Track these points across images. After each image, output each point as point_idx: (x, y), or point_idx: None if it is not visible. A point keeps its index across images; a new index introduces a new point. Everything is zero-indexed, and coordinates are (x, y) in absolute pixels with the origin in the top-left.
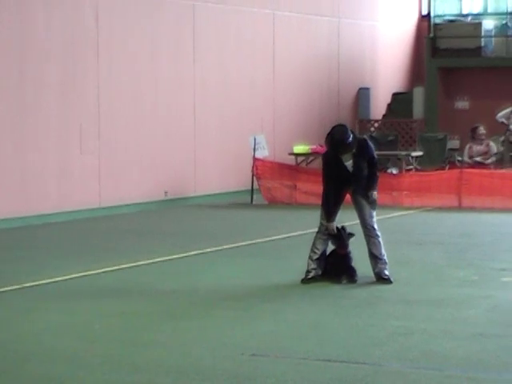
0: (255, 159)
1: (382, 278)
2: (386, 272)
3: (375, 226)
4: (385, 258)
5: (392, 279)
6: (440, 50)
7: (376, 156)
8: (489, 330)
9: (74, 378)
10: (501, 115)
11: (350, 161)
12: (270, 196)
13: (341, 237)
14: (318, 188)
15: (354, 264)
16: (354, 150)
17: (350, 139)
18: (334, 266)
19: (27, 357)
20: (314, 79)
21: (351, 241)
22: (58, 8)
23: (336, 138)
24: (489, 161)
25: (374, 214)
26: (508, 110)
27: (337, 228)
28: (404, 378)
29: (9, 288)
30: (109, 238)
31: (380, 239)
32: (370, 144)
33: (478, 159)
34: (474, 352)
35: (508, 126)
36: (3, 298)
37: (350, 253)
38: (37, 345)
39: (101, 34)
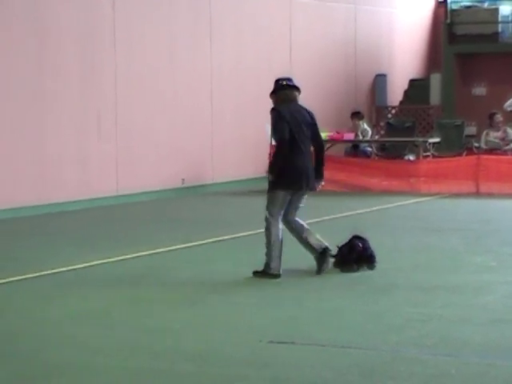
0: (272, 146)
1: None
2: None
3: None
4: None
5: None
6: (457, 36)
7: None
8: (507, 316)
9: (92, 364)
10: (508, 104)
11: None
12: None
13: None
14: (335, 175)
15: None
16: None
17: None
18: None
19: (45, 343)
20: (331, 66)
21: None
22: None
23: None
24: (506, 147)
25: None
26: None
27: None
28: (422, 364)
29: (27, 275)
30: (126, 225)
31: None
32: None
33: (495, 144)
34: (492, 338)
35: None
36: (22, 286)
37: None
38: (55, 332)
39: (118, 21)
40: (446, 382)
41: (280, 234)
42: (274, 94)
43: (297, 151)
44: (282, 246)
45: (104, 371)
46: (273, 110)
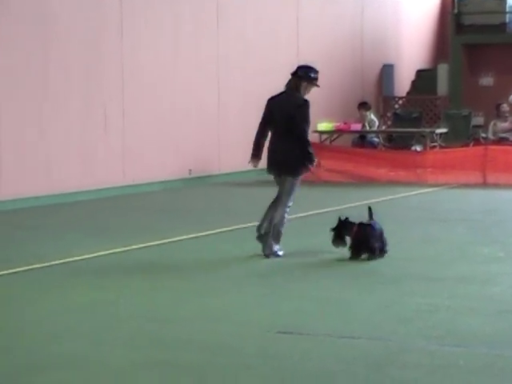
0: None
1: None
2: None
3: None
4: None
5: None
6: (464, 26)
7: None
8: None
9: (101, 355)
10: None
11: None
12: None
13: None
14: (342, 165)
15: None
16: None
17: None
18: (355, 245)
19: (54, 334)
20: (338, 56)
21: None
22: None
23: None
24: None
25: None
26: None
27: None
28: (430, 355)
29: (34, 266)
30: (133, 216)
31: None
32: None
33: (502, 135)
34: (500, 329)
35: None
36: (30, 277)
37: (366, 231)
38: (63, 322)
39: (124, 13)
40: (454, 373)
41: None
42: None
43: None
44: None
45: (110, 362)
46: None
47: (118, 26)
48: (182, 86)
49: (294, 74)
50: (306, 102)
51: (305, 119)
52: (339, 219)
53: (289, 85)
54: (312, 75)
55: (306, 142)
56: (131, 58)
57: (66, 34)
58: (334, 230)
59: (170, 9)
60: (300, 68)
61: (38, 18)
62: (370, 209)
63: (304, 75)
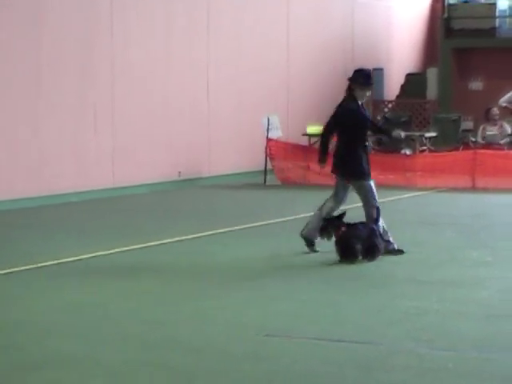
0: (269, 140)
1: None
2: None
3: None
4: None
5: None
6: (454, 30)
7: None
8: (503, 311)
9: (91, 356)
10: (503, 100)
11: None
12: (284, 176)
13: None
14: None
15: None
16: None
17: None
18: (338, 247)
19: (44, 335)
20: (328, 59)
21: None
22: None
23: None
24: (502, 141)
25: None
26: (510, 94)
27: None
28: (419, 358)
29: (26, 267)
30: (123, 217)
31: None
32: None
33: (492, 139)
34: (488, 333)
35: None
36: (21, 277)
37: (349, 232)
38: (54, 323)
39: (115, 14)
40: (443, 376)
41: None
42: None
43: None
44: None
45: (100, 363)
46: None
47: (108, 25)
48: (173, 87)
49: (348, 79)
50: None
51: (359, 122)
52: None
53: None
54: (361, 80)
55: (380, 132)
56: (122, 60)
57: (58, 33)
58: (323, 221)
59: (161, 7)
60: (353, 72)
61: (30, 17)
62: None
63: (353, 80)
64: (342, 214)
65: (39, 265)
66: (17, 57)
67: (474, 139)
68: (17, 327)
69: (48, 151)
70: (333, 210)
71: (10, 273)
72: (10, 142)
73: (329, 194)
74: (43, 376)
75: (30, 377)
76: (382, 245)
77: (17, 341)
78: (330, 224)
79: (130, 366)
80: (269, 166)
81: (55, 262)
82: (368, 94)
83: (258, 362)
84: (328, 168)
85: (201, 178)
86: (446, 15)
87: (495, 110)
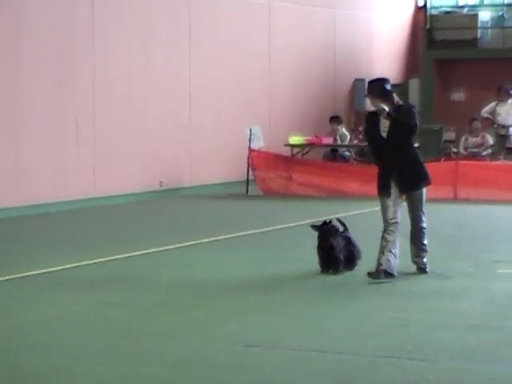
0: (251, 150)
1: (420, 268)
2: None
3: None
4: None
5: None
6: (436, 41)
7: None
8: (484, 322)
9: (70, 369)
10: (485, 111)
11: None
12: (266, 187)
13: (320, 233)
14: (314, 179)
15: (341, 255)
16: (386, 110)
17: (377, 86)
18: (321, 258)
19: (23, 347)
20: (310, 70)
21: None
22: None
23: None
24: (484, 153)
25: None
26: (492, 105)
27: (315, 226)
28: (400, 369)
29: (3, 278)
30: (104, 228)
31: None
32: (414, 111)
33: (474, 150)
34: (469, 344)
35: (494, 120)
36: (2, 289)
37: (334, 244)
38: (32, 336)
39: (96, 25)
40: None
41: None
42: (387, 95)
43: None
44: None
45: (81, 376)
46: (413, 106)
47: (89, 36)
48: (154, 98)
49: None
50: (367, 115)
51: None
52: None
53: None
54: (367, 90)
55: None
56: (103, 72)
57: (38, 45)
58: (314, 228)
59: (142, 19)
60: None
61: (10, 28)
62: (338, 220)
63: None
64: (329, 223)
65: (17, 276)
66: None
67: (455, 150)
68: None
69: (28, 161)
70: None
71: None
72: None
73: (310, 204)
74: None
75: None
76: (358, 252)
77: None
78: (322, 233)
79: (109, 378)
80: (251, 176)
81: (33, 273)
82: (371, 103)
83: (238, 373)
84: (309, 178)
85: (182, 188)
86: (428, 26)
87: (477, 122)
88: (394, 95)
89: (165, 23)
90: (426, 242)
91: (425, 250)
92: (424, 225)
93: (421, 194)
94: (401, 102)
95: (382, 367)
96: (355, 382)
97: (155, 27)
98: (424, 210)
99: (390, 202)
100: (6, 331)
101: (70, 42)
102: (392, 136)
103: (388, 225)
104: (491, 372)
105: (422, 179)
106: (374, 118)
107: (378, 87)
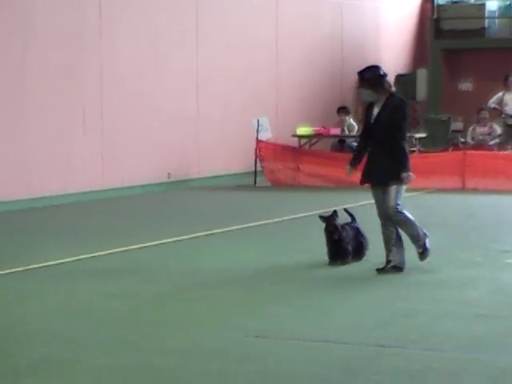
0: (258, 141)
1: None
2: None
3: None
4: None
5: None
6: (443, 31)
7: (406, 122)
8: (491, 312)
9: (76, 359)
10: (492, 101)
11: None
12: (273, 178)
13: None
14: (321, 169)
15: (349, 246)
16: (377, 97)
17: (370, 74)
18: (330, 249)
19: (29, 338)
20: (317, 61)
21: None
22: None
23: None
24: (492, 142)
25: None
26: (500, 95)
27: (323, 217)
28: (407, 359)
29: (12, 270)
30: (113, 219)
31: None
32: (405, 106)
33: (481, 137)
34: (476, 333)
35: (502, 110)
36: (6, 280)
37: (343, 235)
38: (39, 326)
39: (104, 15)
40: (430, 377)
41: None
42: (379, 83)
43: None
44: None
45: (88, 366)
46: (404, 101)
47: (97, 26)
48: (162, 89)
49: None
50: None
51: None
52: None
53: None
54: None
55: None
56: (110, 62)
57: (45, 35)
58: (322, 219)
59: (150, 9)
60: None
61: (16, 19)
62: (346, 211)
63: None
64: (334, 214)
65: (27, 268)
66: (3, 58)
67: (463, 140)
68: (4, 331)
69: (36, 153)
70: None
71: None
72: None
73: (318, 194)
74: (29, 381)
75: (15, 382)
76: (367, 243)
77: (4, 345)
78: (329, 224)
79: (116, 369)
80: (258, 168)
81: (41, 265)
82: (363, 93)
83: (244, 362)
84: (317, 169)
85: (190, 180)
86: (435, 16)
87: (484, 112)
88: (387, 80)
89: (172, 15)
90: (396, 240)
91: (389, 250)
92: (399, 225)
93: (390, 191)
94: (393, 89)
95: (388, 357)
96: (361, 372)
97: (163, 17)
98: (394, 208)
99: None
100: (10, 322)
101: (77, 33)
102: (375, 129)
103: (383, 219)
104: (498, 361)
105: (390, 177)
106: (367, 108)
107: (368, 75)
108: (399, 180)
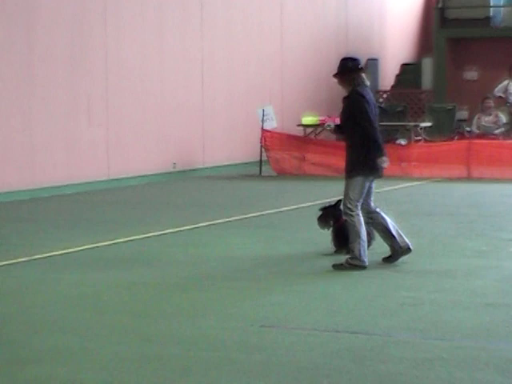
0: (264, 130)
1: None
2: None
3: (348, 206)
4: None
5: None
6: (448, 20)
7: (362, 113)
8: (498, 300)
9: (83, 349)
10: (497, 89)
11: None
12: (279, 167)
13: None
14: (327, 159)
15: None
16: (343, 89)
17: (340, 65)
18: (334, 238)
19: (36, 328)
20: (322, 50)
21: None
22: None
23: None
24: (497, 131)
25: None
26: (505, 83)
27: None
28: (413, 348)
29: (19, 260)
30: (118, 209)
31: (353, 218)
32: (357, 98)
33: (486, 125)
34: (483, 322)
35: (507, 99)
36: (13, 270)
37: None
38: (46, 316)
39: (108, 5)
40: (438, 366)
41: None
42: (347, 74)
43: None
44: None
45: (93, 356)
46: (356, 93)
47: (102, 16)
48: (167, 79)
49: (362, 69)
50: None
51: None
52: (330, 204)
53: (366, 80)
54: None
55: None
56: (115, 52)
57: (50, 25)
58: (321, 210)
59: (154, 3)
60: (358, 61)
61: (21, 9)
62: None
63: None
64: (338, 202)
65: (32, 258)
66: (9, 48)
67: (468, 129)
68: (8, 321)
69: (41, 143)
70: None
71: (3, 266)
72: (1, 135)
73: (324, 184)
74: (35, 370)
75: (21, 371)
76: (374, 233)
77: (8, 335)
78: (328, 214)
79: (123, 358)
80: (264, 157)
81: (47, 254)
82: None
83: (252, 352)
84: (322, 158)
85: (196, 169)
86: (440, 5)
87: (489, 101)
88: (356, 75)
89: (177, 4)
90: (351, 239)
91: (349, 249)
92: (347, 217)
93: (349, 184)
94: (362, 85)
95: (396, 346)
96: (368, 362)
97: (168, 7)
98: (351, 202)
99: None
100: (16, 311)
101: (81, 23)
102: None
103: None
104: (505, 350)
105: (347, 170)
106: (342, 100)
107: (339, 66)
108: (353, 175)
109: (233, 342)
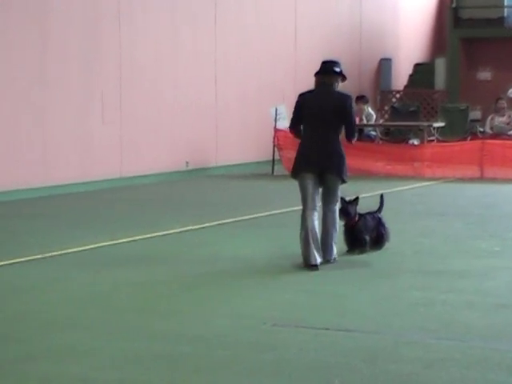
0: (276, 130)
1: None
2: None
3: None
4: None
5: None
6: (462, 20)
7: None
8: (510, 301)
9: (94, 347)
10: (511, 91)
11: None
12: (291, 167)
13: (343, 209)
14: None
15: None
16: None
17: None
18: (347, 238)
19: (48, 326)
20: (336, 50)
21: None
22: None
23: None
24: (511, 132)
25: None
26: None
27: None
28: (425, 348)
29: (32, 258)
30: (130, 208)
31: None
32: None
33: (501, 126)
34: (495, 323)
35: None
36: (27, 268)
37: (359, 224)
38: (58, 314)
39: (122, 4)
40: (450, 367)
41: (310, 225)
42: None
43: (308, 137)
44: (315, 235)
45: (103, 355)
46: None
47: (115, 13)
48: (180, 78)
49: (324, 72)
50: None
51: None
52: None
53: (326, 81)
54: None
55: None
56: (129, 50)
57: (64, 23)
58: (342, 202)
59: (168, 2)
60: (333, 63)
61: (35, 7)
62: (381, 197)
63: (336, 71)
64: (357, 199)
65: (45, 256)
66: (22, 45)
67: (482, 129)
68: (22, 319)
69: (54, 141)
70: None
71: (14, 263)
72: (15, 133)
73: None
74: (47, 368)
75: (33, 368)
76: (388, 234)
77: (19, 332)
78: (342, 209)
79: (134, 356)
80: (277, 156)
81: (60, 252)
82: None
83: (264, 351)
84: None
85: (208, 168)
86: (454, 5)
87: (502, 102)
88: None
89: (191, 4)
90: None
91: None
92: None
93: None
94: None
95: (408, 346)
96: (380, 361)
97: (182, 5)
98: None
99: None
100: (34, 309)
101: (95, 21)
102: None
103: None
104: None
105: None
106: None
107: (339, 68)
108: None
109: (244, 340)
